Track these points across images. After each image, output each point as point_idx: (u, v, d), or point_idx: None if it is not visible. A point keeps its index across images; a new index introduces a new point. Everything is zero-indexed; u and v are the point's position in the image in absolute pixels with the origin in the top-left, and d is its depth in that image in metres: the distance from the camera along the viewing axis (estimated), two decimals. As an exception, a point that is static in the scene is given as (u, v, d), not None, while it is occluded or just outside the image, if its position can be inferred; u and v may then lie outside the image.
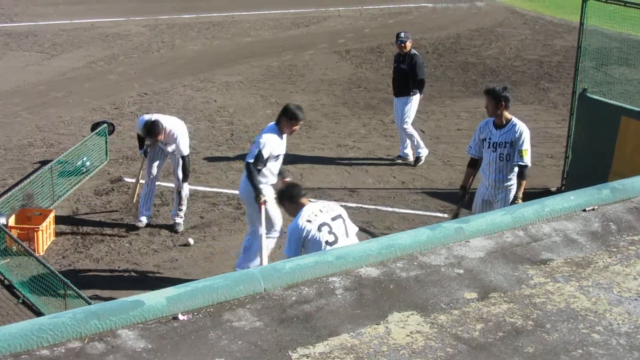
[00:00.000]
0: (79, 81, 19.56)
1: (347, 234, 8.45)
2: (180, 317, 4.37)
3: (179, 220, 12.77)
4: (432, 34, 24.72)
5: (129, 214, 13.10)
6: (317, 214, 8.39)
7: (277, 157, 10.81)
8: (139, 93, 18.90)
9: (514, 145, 10.38)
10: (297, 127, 11.04)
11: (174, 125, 12.53)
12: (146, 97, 18.67)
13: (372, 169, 15.10)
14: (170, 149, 12.57)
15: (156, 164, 12.85)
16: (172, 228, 12.73)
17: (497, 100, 10.39)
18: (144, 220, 12.82)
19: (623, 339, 4.37)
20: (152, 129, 12.33)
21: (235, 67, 21.15)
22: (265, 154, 10.56)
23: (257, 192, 10.52)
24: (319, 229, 8.27)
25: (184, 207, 12.83)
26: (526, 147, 10.38)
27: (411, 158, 15.38)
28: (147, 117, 12.69)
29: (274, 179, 10.90)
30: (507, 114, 10.48)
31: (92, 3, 27.12)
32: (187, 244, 12.27)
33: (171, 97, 18.76)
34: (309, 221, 8.31)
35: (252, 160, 10.55)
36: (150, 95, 18.81)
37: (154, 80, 19.88)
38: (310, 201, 8.78)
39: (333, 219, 8.41)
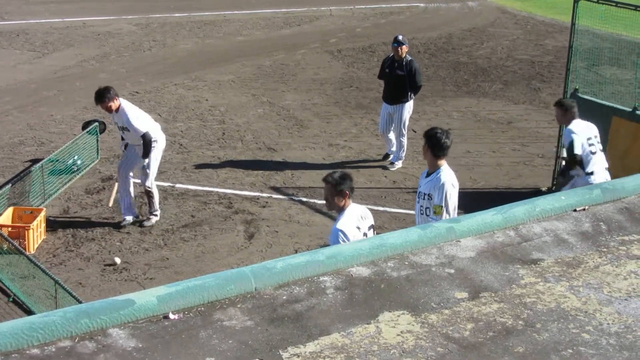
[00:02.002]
0: (70, 80, 19.52)
1: None
2: (171, 316, 4.37)
3: (152, 217, 12.86)
4: (424, 33, 24.74)
5: (121, 212, 13.09)
6: (360, 220, 8.06)
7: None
8: (130, 92, 18.87)
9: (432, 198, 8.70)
10: None
11: (131, 107, 12.54)
12: (137, 95, 18.64)
13: (363, 169, 15.11)
14: (128, 136, 12.60)
15: (127, 163, 12.85)
16: (142, 223, 12.83)
17: (426, 143, 8.88)
18: (128, 218, 12.87)
19: (613, 339, 4.38)
20: (98, 94, 12.41)
21: (227, 66, 21.13)
22: None
23: None
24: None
25: (156, 207, 12.87)
26: (441, 202, 8.58)
27: (399, 164, 15.28)
28: None
29: None
30: (440, 161, 8.76)
31: (83, 2, 27.07)
32: (113, 264, 11.78)
33: (162, 96, 18.73)
34: (358, 228, 7.96)
35: None
36: (142, 94, 18.78)
37: (146, 79, 19.85)
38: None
39: (369, 228, 8.16)
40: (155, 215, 12.87)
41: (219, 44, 23.30)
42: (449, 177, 8.68)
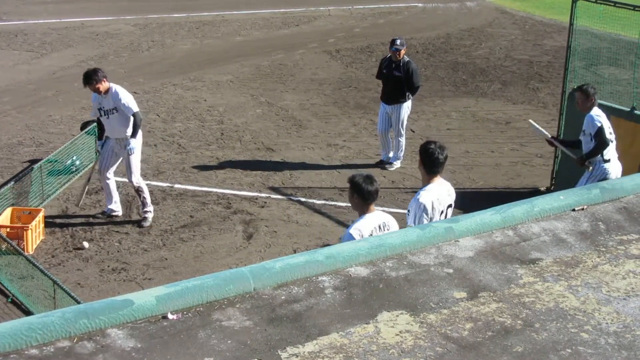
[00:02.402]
0: (69, 80, 19.51)
1: None
2: (170, 316, 4.37)
3: (147, 215, 12.87)
4: (423, 33, 24.74)
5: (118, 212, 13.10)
6: (378, 230, 7.56)
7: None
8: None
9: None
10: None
11: (122, 88, 12.64)
12: (136, 96, 18.57)
13: (362, 169, 15.08)
14: (112, 121, 12.57)
15: (105, 163, 12.84)
16: (140, 224, 12.83)
17: (420, 158, 8.27)
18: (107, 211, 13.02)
19: (612, 338, 4.38)
20: (87, 75, 12.44)
21: (226, 66, 21.13)
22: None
23: None
24: None
25: (148, 203, 12.87)
26: (413, 224, 7.82)
27: (398, 164, 15.31)
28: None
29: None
30: (433, 178, 8.19)
31: (82, 2, 27.06)
32: (81, 248, 12.10)
33: (161, 96, 18.73)
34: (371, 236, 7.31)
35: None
36: (140, 94, 18.77)
37: (144, 80, 19.84)
38: (375, 208, 7.81)
39: None
40: (149, 212, 12.86)
41: (218, 44, 23.29)
42: (428, 199, 7.97)
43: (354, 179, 7.72)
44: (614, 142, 11.61)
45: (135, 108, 12.54)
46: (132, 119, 12.50)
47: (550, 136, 12.43)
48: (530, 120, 12.84)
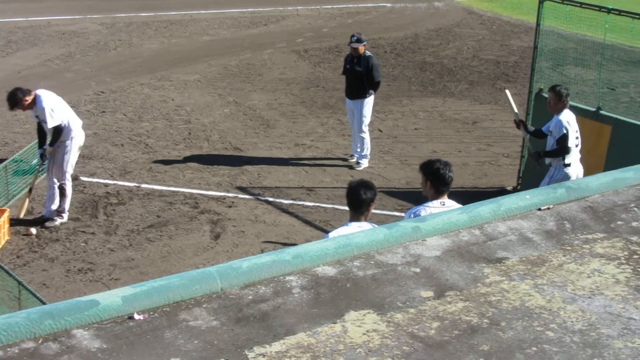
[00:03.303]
0: (35, 79, 19.34)
1: None
2: (136, 316, 4.34)
3: (57, 218, 12.70)
4: (391, 33, 24.80)
5: (86, 212, 13.01)
6: None
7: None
8: (95, 92, 18.76)
9: None
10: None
11: (46, 99, 12.33)
12: (103, 95, 18.53)
13: (329, 168, 15.12)
14: (45, 127, 12.48)
15: (50, 165, 12.79)
16: (45, 222, 12.69)
17: (427, 179, 8.15)
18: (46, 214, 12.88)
19: (577, 337, 4.41)
20: (11, 99, 12.25)
21: (193, 65, 21.07)
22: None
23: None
24: None
25: (65, 206, 12.73)
26: None
27: (366, 163, 15.34)
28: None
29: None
30: (442, 198, 8.06)
31: (48, 0, 26.87)
32: (29, 234, 12.33)
33: (128, 96, 18.63)
34: None
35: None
36: (107, 93, 18.68)
37: (111, 79, 19.73)
38: (367, 221, 7.57)
39: None
40: (62, 217, 12.73)
41: (185, 44, 23.22)
42: (417, 214, 7.78)
43: (350, 187, 7.59)
44: (579, 147, 11.65)
45: (51, 124, 12.33)
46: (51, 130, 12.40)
47: (520, 118, 12.34)
48: (507, 91, 12.55)
